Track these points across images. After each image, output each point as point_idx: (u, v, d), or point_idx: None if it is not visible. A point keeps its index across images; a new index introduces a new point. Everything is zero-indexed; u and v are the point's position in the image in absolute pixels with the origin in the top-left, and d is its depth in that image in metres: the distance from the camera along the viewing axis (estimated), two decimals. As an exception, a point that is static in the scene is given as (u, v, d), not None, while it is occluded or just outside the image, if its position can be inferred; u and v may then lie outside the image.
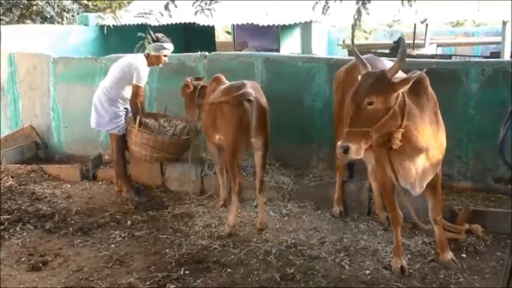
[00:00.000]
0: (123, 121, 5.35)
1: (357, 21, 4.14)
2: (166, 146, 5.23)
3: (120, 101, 5.34)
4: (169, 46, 5.27)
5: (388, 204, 3.83)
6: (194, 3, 4.30)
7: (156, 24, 5.13)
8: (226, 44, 12.16)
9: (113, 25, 6.97)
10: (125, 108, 5.39)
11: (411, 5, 4.50)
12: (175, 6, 4.30)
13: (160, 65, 5.42)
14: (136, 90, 5.18)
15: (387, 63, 3.99)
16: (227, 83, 4.79)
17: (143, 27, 5.32)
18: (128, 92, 5.34)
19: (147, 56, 5.22)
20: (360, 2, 4.07)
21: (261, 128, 4.37)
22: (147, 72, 5.30)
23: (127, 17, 7.13)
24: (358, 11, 4.09)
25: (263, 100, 4.47)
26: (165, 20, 4.98)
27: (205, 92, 4.95)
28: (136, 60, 5.19)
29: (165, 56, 5.31)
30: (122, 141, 5.42)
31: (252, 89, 4.41)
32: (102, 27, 8.53)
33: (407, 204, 3.81)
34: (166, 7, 4.29)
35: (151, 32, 4.55)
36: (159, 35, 5.13)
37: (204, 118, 4.86)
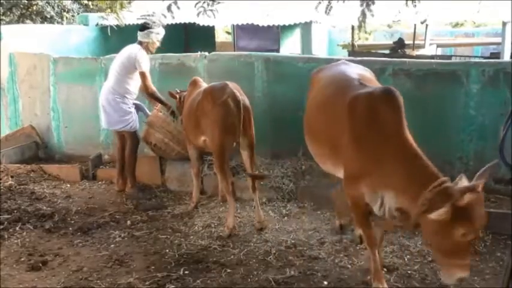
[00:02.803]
0: (134, 117, 5.37)
1: (361, 23, 4.11)
2: (177, 132, 5.32)
3: (127, 96, 5.34)
4: (158, 30, 5.28)
5: (360, 223, 3.56)
6: (197, 4, 4.30)
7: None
8: (226, 44, 12.17)
9: (116, 25, 6.94)
10: (134, 104, 5.40)
11: (415, 5, 4.48)
12: (178, 8, 4.30)
13: (154, 50, 5.43)
14: (142, 77, 5.21)
15: (358, 70, 3.95)
16: (204, 85, 4.88)
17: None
18: (133, 87, 5.36)
19: (141, 44, 5.27)
20: (365, 4, 4.03)
21: (247, 127, 4.46)
22: (147, 58, 5.31)
23: (129, 17, 7.15)
24: (363, 13, 4.06)
25: (246, 100, 4.55)
26: (167, 21, 5.00)
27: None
28: (134, 50, 5.23)
29: (158, 40, 5.33)
30: (135, 138, 5.46)
31: (235, 89, 4.46)
32: (102, 26, 8.52)
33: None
34: (168, 8, 4.29)
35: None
36: (147, 21, 5.16)
37: (185, 121, 4.90)
